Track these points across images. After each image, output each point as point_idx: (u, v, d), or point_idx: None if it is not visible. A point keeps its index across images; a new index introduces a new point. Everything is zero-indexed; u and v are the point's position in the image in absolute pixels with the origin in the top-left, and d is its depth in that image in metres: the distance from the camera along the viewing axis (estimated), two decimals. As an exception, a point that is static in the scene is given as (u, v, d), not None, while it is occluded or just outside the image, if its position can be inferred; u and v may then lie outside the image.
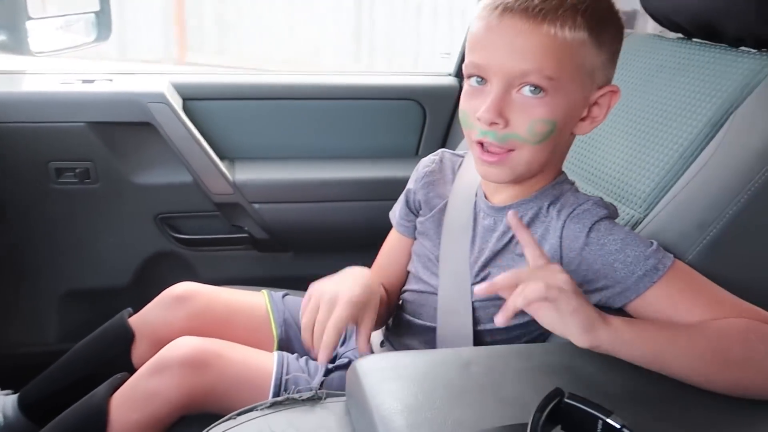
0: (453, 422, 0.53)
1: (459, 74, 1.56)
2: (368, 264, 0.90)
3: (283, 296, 1.05)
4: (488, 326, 0.79)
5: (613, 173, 0.92)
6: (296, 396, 0.65)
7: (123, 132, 1.31)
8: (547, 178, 0.77)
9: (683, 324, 0.64)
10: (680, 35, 0.99)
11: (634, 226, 0.82)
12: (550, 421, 0.48)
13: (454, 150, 0.93)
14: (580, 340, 0.59)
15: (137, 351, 0.97)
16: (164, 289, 1.02)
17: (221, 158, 1.37)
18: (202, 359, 0.81)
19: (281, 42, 3.92)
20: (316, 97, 1.47)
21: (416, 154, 1.56)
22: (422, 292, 0.85)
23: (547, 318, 0.60)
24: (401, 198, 0.92)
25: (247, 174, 1.38)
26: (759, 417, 0.60)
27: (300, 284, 1.15)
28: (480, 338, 0.79)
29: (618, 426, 0.46)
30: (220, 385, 0.81)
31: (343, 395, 0.65)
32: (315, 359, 0.74)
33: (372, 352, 0.79)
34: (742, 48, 0.88)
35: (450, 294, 0.80)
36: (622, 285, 0.68)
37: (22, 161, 1.28)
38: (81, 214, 1.34)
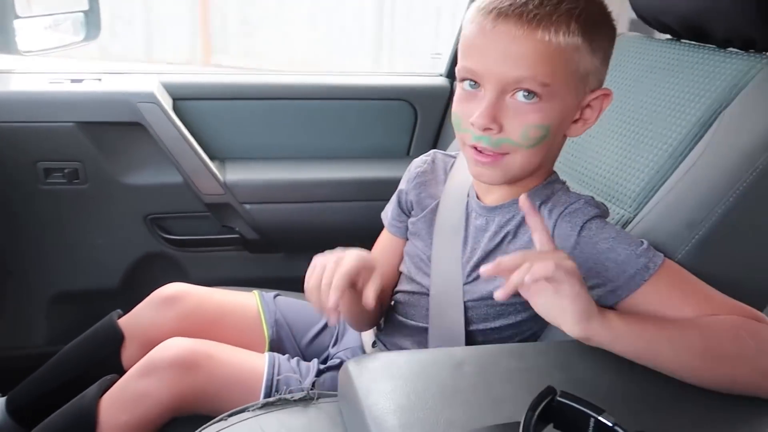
0: (445, 422, 0.53)
1: (450, 75, 1.56)
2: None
3: (275, 297, 1.05)
4: (480, 326, 0.79)
5: (604, 173, 0.92)
6: (288, 397, 0.65)
7: (112, 132, 1.30)
8: (539, 178, 0.77)
9: (675, 320, 0.65)
10: (669, 36, 1.00)
11: (624, 226, 0.83)
12: (542, 420, 0.48)
13: (445, 150, 0.93)
14: (574, 329, 0.59)
15: (127, 352, 0.97)
16: (154, 290, 1.01)
17: (211, 158, 1.37)
18: (192, 360, 0.81)
19: (303, 43, 3.94)
20: (307, 97, 1.47)
21: (407, 155, 1.56)
22: (414, 292, 0.85)
23: (544, 302, 0.59)
24: (393, 198, 0.92)
25: (237, 174, 1.38)
26: (749, 415, 0.60)
27: (291, 285, 1.15)
28: (472, 338, 0.79)
29: (610, 424, 0.46)
30: (210, 387, 0.81)
31: (335, 396, 0.65)
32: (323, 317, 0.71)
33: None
34: (730, 49, 0.89)
35: (442, 294, 0.80)
36: (613, 283, 0.69)
37: (10, 161, 1.26)
38: (70, 215, 1.33)
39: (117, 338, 0.97)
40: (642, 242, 0.70)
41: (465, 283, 0.79)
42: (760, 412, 0.60)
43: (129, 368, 0.85)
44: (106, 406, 0.82)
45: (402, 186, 0.91)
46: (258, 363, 0.84)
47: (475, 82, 0.70)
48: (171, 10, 3.93)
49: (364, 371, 0.60)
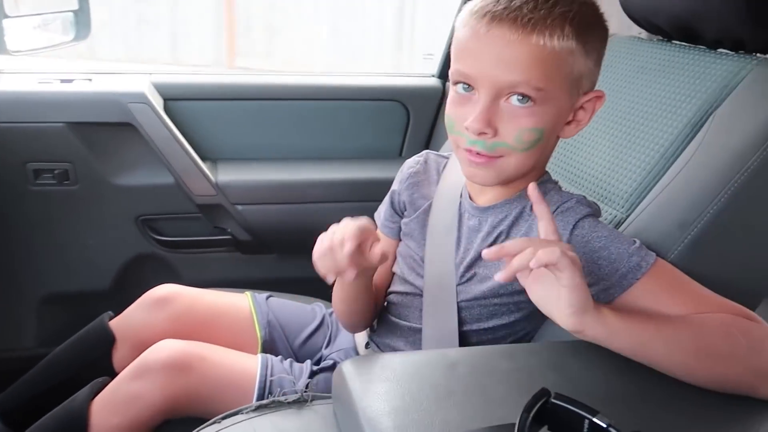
0: (440, 423, 0.53)
1: (442, 75, 1.57)
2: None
3: (267, 298, 1.04)
4: (474, 326, 0.79)
5: (596, 174, 0.93)
6: (282, 399, 0.65)
7: (103, 132, 1.30)
8: (532, 178, 0.77)
9: (668, 317, 0.65)
10: (660, 37, 1.01)
11: (616, 226, 0.83)
12: (537, 422, 0.48)
13: (437, 151, 0.93)
14: (567, 321, 0.58)
15: (118, 354, 0.96)
16: (146, 291, 1.00)
17: (203, 159, 1.36)
18: (185, 362, 0.81)
19: (324, 46, 3.95)
20: (300, 98, 1.47)
21: (400, 155, 1.56)
22: (407, 293, 0.85)
23: (542, 289, 0.59)
24: (386, 199, 0.92)
25: (229, 175, 1.37)
26: (744, 414, 0.60)
27: (284, 286, 1.15)
28: (466, 339, 0.79)
29: (604, 425, 0.46)
30: (203, 389, 0.80)
31: (329, 397, 0.65)
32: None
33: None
34: (721, 50, 0.89)
35: (435, 295, 0.80)
36: (606, 282, 0.69)
37: None
38: (60, 217, 1.32)
39: (108, 340, 0.96)
40: (634, 241, 0.70)
41: (458, 284, 0.79)
42: (755, 411, 0.61)
43: (120, 370, 0.85)
44: (98, 409, 0.81)
45: (395, 187, 0.91)
46: (251, 364, 0.84)
47: (469, 85, 0.69)
48: (197, 14, 3.98)
49: (359, 373, 0.60)
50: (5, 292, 1.33)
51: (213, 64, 3.96)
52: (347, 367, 0.60)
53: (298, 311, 1.04)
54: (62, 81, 1.32)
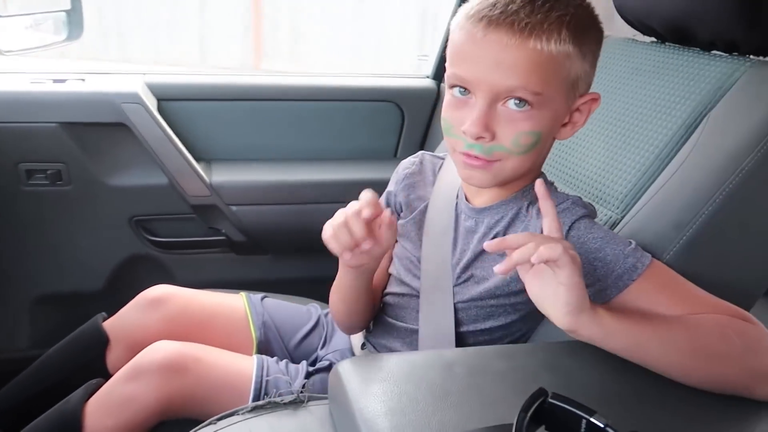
0: (437, 424, 0.53)
1: (437, 77, 1.57)
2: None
3: (262, 299, 1.04)
4: (470, 327, 0.79)
5: (591, 175, 0.93)
6: (278, 399, 0.64)
7: (96, 133, 1.29)
8: (528, 179, 0.77)
9: (663, 317, 0.65)
10: (654, 39, 1.01)
11: (612, 227, 0.84)
12: (534, 422, 0.48)
13: (433, 152, 0.93)
14: (563, 320, 0.58)
15: (112, 356, 0.95)
16: (140, 292, 1.00)
17: (197, 160, 1.36)
18: (180, 363, 0.80)
19: (349, 49, 3.99)
20: (294, 99, 1.46)
21: (395, 156, 1.56)
22: (404, 294, 0.85)
23: (540, 285, 0.59)
24: (381, 200, 0.92)
25: (223, 176, 1.37)
26: (740, 414, 0.61)
27: (279, 287, 1.15)
28: (462, 340, 0.79)
29: (602, 425, 0.46)
30: (199, 390, 0.80)
31: (326, 398, 0.65)
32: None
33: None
34: (714, 52, 0.90)
35: (432, 296, 0.80)
36: (601, 283, 0.69)
37: None
38: (53, 217, 1.31)
39: (102, 341, 0.96)
40: (630, 242, 0.70)
41: (455, 285, 0.79)
42: (751, 411, 0.61)
43: (114, 372, 0.84)
44: (92, 411, 0.81)
45: (390, 188, 0.91)
46: (246, 365, 0.84)
47: (466, 89, 0.69)
48: (225, 17, 4.04)
49: (355, 373, 0.59)
50: (-3, 293, 1.32)
51: (240, 66, 4.03)
52: (344, 368, 0.60)
53: (293, 312, 1.04)
54: (55, 81, 1.31)
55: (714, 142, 0.79)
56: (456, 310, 0.79)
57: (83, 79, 1.33)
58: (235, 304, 1.01)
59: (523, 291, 0.63)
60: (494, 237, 0.77)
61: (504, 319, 0.78)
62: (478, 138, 0.68)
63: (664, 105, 0.88)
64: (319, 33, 4.09)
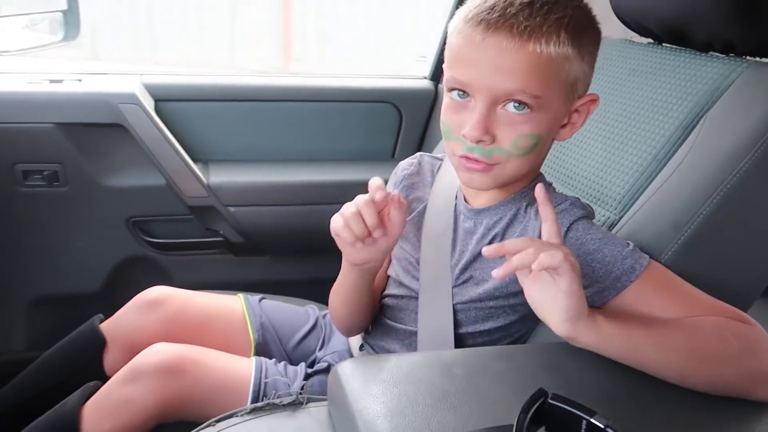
0: (437, 425, 0.53)
1: (434, 78, 1.57)
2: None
3: (260, 300, 1.04)
4: (469, 329, 0.79)
5: (589, 176, 0.93)
6: (277, 401, 0.64)
7: (93, 133, 1.29)
8: (526, 180, 0.78)
9: (661, 321, 0.65)
10: (650, 40, 1.01)
11: (609, 228, 0.84)
12: (535, 422, 0.48)
13: (431, 153, 0.93)
14: (561, 327, 0.58)
15: (109, 358, 0.95)
16: (137, 294, 1.00)
17: (195, 161, 1.35)
18: (178, 366, 0.80)
19: (376, 52, 4.05)
20: (292, 99, 1.46)
21: (393, 157, 1.56)
22: (403, 296, 0.85)
23: (539, 291, 0.59)
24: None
25: (221, 177, 1.36)
26: (739, 415, 0.61)
27: (277, 288, 1.14)
28: (461, 341, 0.79)
29: (602, 426, 0.46)
30: (197, 392, 0.80)
31: (325, 400, 0.65)
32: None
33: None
34: (711, 53, 0.90)
35: (431, 297, 0.80)
36: (600, 285, 0.69)
37: None
38: (49, 218, 1.30)
39: (99, 343, 0.95)
40: (628, 244, 0.70)
41: (454, 286, 0.79)
42: (750, 412, 0.61)
43: (111, 374, 0.84)
44: (89, 413, 0.80)
45: (389, 189, 0.91)
46: (245, 367, 0.83)
47: (465, 92, 0.69)
48: (256, 20, 4.11)
49: (354, 375, 0.59)
50: (-6, 295, 1.32)
51: (269, 68, 4.08)
52: (343, 369, 0.60)
53: (291, 313, 1.04)
54: (51, 81, 1.30)
55: (711, 142, 0.79)
56: (455, 312, 0.78)
57: (80, 80, 1.33)
58: (232, 305, 1.01)
59: (522, 292, 0.63)
60: (493, 238, 0.77)
61: (503, 320, 0.78)
62: (479, 141, 0.68)
63: (662, 106, 0.88)
64: (346, 35, 4.14)
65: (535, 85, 0.66)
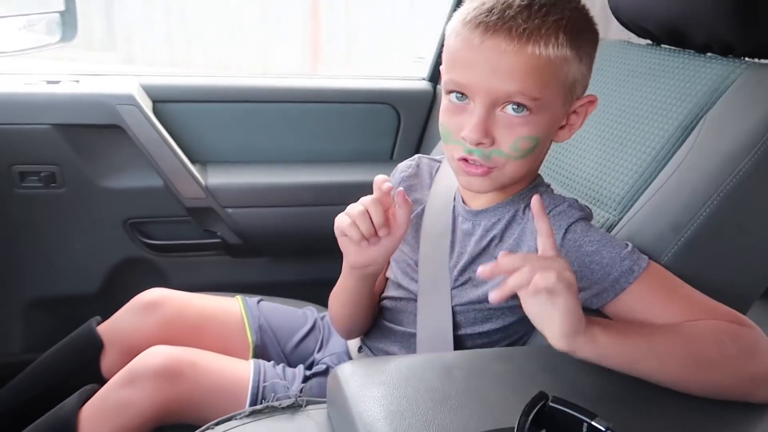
0: (437, 428, 0.52)
1: (433, 79, 1.57)
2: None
3: (258, 302, 1.03)
4: (468, 330, 0.79)
5: (588, 176, 0.93)
6: (276, 404, 0.64)
7: (90, 135, 1.28)
8: (525, 182, 0.78)
9: (658, 327, 0.65)
10: (649, 41, 1.01)
11: (609, 229, 0.84)
12: (535, 425, 0.47)
13: (429, 154, 0.93)
14: (558, 342, 0.58)
15: (106, 360, 0.95)
16: (134, 296, 0.99)
17: (193, 162, 1.35)
18: (176, 369, 0.80)
19: (402, 56, 4.12)
20: (290, 100, 1.46)
21: (391, 159, 1.56)
22: (402, 298, 0.85)
23: (536, 308, 0.59)
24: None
25: (219, 178, 1.36)
26: (741, 416, 0.61)
27: (275, 290, 1.14)
28: (460, 343, 0.79)
29: (603, 429, 0.46)
30: (195, 395, 0.79)
31: (324, 402, 0.65)
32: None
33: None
34: (709, 54, 0.90)
35: (430, 299, 0.80)
36: (598, 286, 0.69)
37: None
38: (46, 220, 1.30)
39: (96, 346, 0.95)
40: (627, 245, 0.70)
41: (453, 288, 0.79)
42: (752, 414, 0.61)
43: (109, 376, 0.84)
44: (87, 417, 0.80)
45: (388, 190, 0.91)
46: (243, 370, 0.83)
47: (463, 94, 0.69)
48: (286, 25, 4.18)
49: (354, 377, 0.59)
50: (-10, 297, 1.31)
51: (298, 71, 4.18)
52: (342, 371, 0.60)
53: (289, 315, 1.03)
54: (48, 82, 1.30)
55: (711, 144, 0.79)
56: (454, 313, 0.78)
57: (77, 81, 1.32)
58: (230, 307, 1.01)
59: None
60: (491, 239, 0.77)
61: (502, 322, 0.78)
62: (478, 144, 0.68)
63: (661, 107, 0.88)
64: (374, 39, 4.19)
65: (534, 86, 0.66)
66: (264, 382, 0.81)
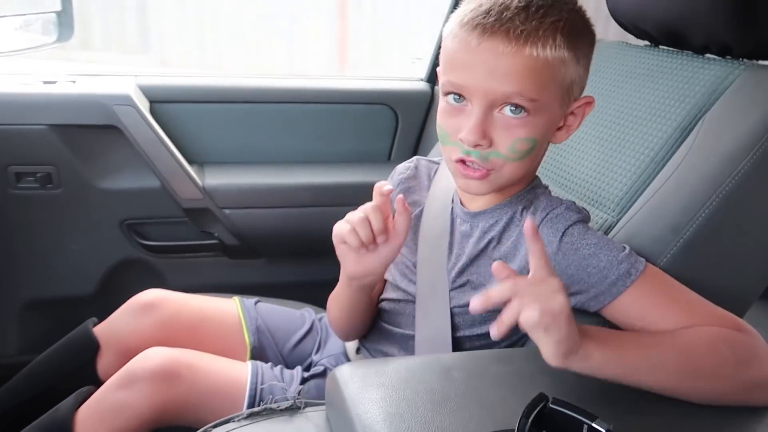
0: (437, 430, 0.52)
1: (430, 80, 1.57)
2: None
3: (255, 303, 1.03)
4: (467, 332, 0.78)
5: (586, 178, 0.93)
6: (274, 406, 0.64)
7: (87, 135, 1.28)
8: (522, 184, 0.77)
9: (653, 337, 0.64)
10: (647, 42, 1.01)
11: (607, 231, 0.83)
12: (536, 427, 0.47)
13: (427, 155, 0.93)
14: (552, 361, 0.57)
15: (103, 362, 0.94)
16: (131, 297, 0.99)
17: (190, 163, 1.35)
18: (173, 371, 0.79)
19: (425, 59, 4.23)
20: (288, 101, 1.46)
21: (389, 159, 1.56)
22: (400, 300, 0.84)
23: (530, 329, 0.57)
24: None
25: (216, 179, 1.36)
26: (740, 418, 0.61)
27: (272, 291, 1.14)
28: (459, 344, 0.78)
29: (603, 430, 0.46)
30: (192, 397, 0.79)
31: (322, 404, 0.64)
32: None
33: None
34: (708, 55, 0.90)
35: (428, 301, 0.80)
36: (595, 290, 0.69)
37: None
38: (43, 221, 1.29)
39: (92, 347, 0.94)
40: (624, 248, 0.70)
41: (451, 290, 0.79)
42: (751, 414, 0.61)
43: (105, 378, 0.83)
44: (83, 419, 0.79)
45: (387, 192, 0.90)
46: (241, 372, 0.83)
47: (461, 96, 0.69)
48: (314, 28, 4.21)
49: (353, 379, 0.59)
50: (-14, 298, 1.30)
51: (323, 73, 4.22)
52: (341, 373, 0.60)
53: (287, 316, 1.03)
54: (45, 82, 1.29)
55: (709, 145, 0.79)
56: (452, 315, 0.78)
57: (74, 81, 1.32)
58: (228, 308, 1.00)
59: None
60: (489, 241, 0.77)
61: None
62: (476, 145, 0.68)
63: (659, 108, 0.88)
64: (399, 43, 4.24)
65: (532, 88, 0.66)
66: (262, 383, 0.81)
